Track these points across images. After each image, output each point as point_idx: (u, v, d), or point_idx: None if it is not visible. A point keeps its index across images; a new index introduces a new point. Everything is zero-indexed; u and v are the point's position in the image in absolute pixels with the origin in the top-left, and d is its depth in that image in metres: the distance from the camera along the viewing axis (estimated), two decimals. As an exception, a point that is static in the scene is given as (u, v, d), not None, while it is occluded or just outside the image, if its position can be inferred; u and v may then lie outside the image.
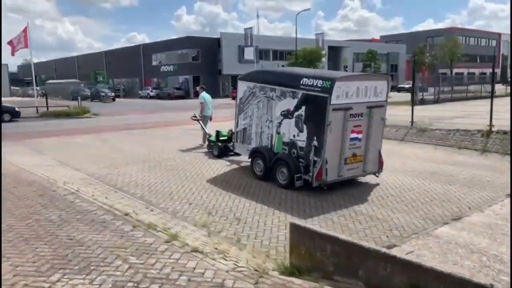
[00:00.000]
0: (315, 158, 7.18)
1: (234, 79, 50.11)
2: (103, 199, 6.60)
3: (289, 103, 7.68)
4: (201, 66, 49.43)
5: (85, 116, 25.25)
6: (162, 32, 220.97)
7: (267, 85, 8.32)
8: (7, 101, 30.53)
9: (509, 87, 30.64)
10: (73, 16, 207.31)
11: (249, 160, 8.67)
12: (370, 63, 46.81)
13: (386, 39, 78.60)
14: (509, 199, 6.74)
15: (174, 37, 56.50)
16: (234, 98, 43.37)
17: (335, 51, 55.20)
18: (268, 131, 8.29)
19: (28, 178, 7.93)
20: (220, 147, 10.54)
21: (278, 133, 7.99)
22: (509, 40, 72.19)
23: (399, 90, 45.53)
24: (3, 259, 4.20)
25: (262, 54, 48.55)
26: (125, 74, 58.40)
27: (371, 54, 46.48)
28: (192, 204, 6.63)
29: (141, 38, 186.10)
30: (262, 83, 8.47)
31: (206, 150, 11.38)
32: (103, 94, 41.65)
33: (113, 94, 43.68)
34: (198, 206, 6.55)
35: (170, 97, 45.81)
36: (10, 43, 26.34)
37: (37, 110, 26.81)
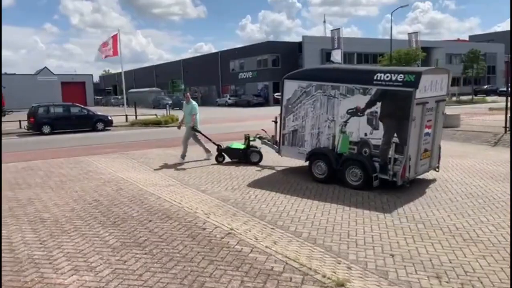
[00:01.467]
0: (396, 156, 7.04)
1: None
2: (270, 243, 4.74)
3: (358, 100, 7.45)
4: (281, 72, 47.50)
5: (174, 124, 24.26)
6: (227, 42, 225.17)
7: (327, 82, 8.00)
8: (92, 109, 30.84)
9: None
10: (145, 29, 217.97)
11: (304, 163, 8.39)
12: (471, 64, 41.70)
13: (477, 39, 71.83)
14: None
15: (251, 43, 55.44)
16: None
17: (425, 52, 50.83)
18: (329, 131, 8.02)
19: (159, 206, 6.25)
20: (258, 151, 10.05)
21: (343, 132, 7.71)
22: None
23: (499, 93, 41.94)
24: None
25: (345, 57, 45.61)
26: (202, 82, 58.43)
27: (474, 54, 41.32)
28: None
29: (207, 48, 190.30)
30: (320, 81, 8.12)
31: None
32: (182, 102, 41.36)
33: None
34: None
35: (249, 104, 44.51)
36: (102, 48, 26.33)
37: (126, 118, 26.44)
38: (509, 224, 5.35)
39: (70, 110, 21.61)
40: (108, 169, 9.45)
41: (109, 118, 22.64)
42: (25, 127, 21.73)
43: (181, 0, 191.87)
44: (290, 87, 8.63)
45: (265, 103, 45.54)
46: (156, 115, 27.01)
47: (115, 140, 16.51)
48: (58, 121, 20.59)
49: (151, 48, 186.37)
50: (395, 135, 7.03)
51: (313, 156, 8.13)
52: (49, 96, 46.03)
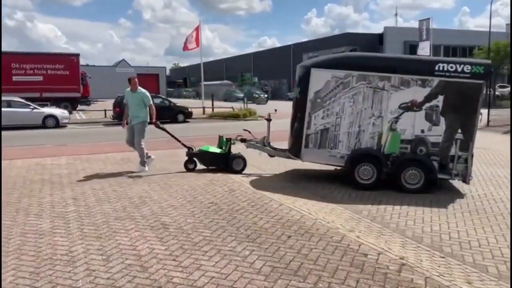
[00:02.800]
0: (460, 153, 6.61)
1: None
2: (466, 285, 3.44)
3: (415, 93, 6.74)
4: (358, 66, 45.39)
5: (252, 118, 23.58)
6: (291, 36, 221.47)
7: (373, 72, 6.91)
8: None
9: None
10: (212, 24, 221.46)
11: (341, 168, 7.29)
12: None
13: None
14: None
15: (323, 36, 53.55)
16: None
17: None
18: (374, 129, 7.02)
19: (289, 216, 5.28)
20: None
21: (393, 130, 6.88)
22: None
23: None
24: None
25: (430, 50, 42.25)
26: (272, 75, 57.58)
27: None
28: None
29: (271, 42, 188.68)
30: (364, 70, 6.94)
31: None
32: (256, 95, 40.73)
33: (266, 95, 42.54)
34: None
35: (322, 98, 42.93)
36: (184, 43, 26.41)
37: (203, 111, 26.25)
38: None
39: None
40: (209, 165, 8.72)
41: (189, 110, 22.46)
42: (111, 117, 22.16)
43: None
44: (320, 77, 7.15)
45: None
46: (232, 108, 26.55)
47: (199, 133, 16.03)
48: (141, 112, 20.73)
49: (217, 42, 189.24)
50: (459, 131, 6.58)
51: (356, 158, 7.02)
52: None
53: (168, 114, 21.24)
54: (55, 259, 3.85)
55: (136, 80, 8.29)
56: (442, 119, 6.67)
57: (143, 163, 8.04)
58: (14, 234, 4.55)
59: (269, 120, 8.42)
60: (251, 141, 8.41)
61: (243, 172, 8.07)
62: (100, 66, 62.31)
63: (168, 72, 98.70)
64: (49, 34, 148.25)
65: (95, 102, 32.15)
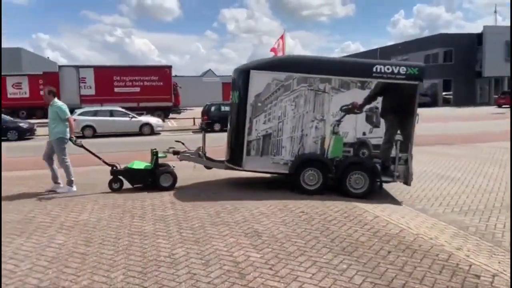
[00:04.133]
0: (400, 154, 6.64)
1: (498, 81, 41.37)
2: None
3: (356, 95, 6.62)
4: (453, 68, 42.38)
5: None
6: (376, 39, 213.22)
7: (314, 75, 6.69)
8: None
9: None
10: (293, 31, 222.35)
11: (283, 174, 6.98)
12: None
13: None
14: None
15: (411, 39, 50.83)
16: (500, 105, 35.98)
17: None
18: (316, 133, 6.84)
19: (385, 229, 5.03)
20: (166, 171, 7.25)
21: (335, 133, 6.73)
22: None
23: None
24: None
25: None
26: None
27: None
28: None
29: (355, 46, 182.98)
30: (306, 72, 6.72)
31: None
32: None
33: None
34: None
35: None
36: (273, 49, 26.83)
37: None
38: None
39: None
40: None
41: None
42: (199, 124, 23.23)
43: (330, 1, 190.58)
44: (260, 79, 6.80)
45: (432, 103, 40.93)
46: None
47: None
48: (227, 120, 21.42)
49: (298, 49, 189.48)
50: (399, 131, 6.61)
51: (301, 164, 6.72)
52: (212, 96, 49.66)
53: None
54: (159, 261, 4.07)
55: (51, 89, 7.50)
56: (382, 121, 6.63)
57: (69, 182, 7.28)
58: (122, 234, 4.91)
59: (204, 129, 8.21)
60: (185, 152, 7.87)
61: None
62: (188, 76, 65.81)
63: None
64: (144, 48, 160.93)
65: (185, 110, 34.00)
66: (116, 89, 30.14)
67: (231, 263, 3.99)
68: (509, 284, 3.54)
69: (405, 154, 6.68)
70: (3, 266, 4.00)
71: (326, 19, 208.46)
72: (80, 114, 19.95)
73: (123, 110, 21.65)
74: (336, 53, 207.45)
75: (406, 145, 6.66)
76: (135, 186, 7.27)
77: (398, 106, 6.64)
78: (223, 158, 7.72)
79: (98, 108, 22.10)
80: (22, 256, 4.24)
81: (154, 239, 4.74)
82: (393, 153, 6.70)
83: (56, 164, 7.41)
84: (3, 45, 70.67)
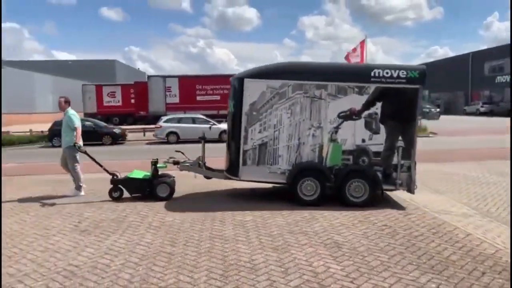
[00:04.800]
0: (402, 161, 6.42)
1: None
2: None
3: (353, 101, 6.45)
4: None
5: (423, 134, 21.82)
6: (466, 44, 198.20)
7: (309, 81, 6.49)
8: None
9: None
10: (375, 37, 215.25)
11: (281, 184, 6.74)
12: None
13: None
14: None
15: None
16: None
17: None
18: (314, 141, 6.59)
19: (478, 248, 4.62)
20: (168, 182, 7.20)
21: (333, 140, 6.53)
22: None
23: None
24: None
25: None
26: (446, 87, 52.58)
27: None
28: None
29: (443, 51, 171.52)
30: (300, 79, 6.52)
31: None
32: (427, 110, 37.68)
33: (438, 109, 39.00)
34: None
35: (510, 113, 37.19)
36: (346, 57, 26.29)
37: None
38: None
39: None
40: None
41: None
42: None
43: (416, 4, 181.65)
44: (255, 88, 6.65)
45: (531, 112, 37.06)
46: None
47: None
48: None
49: (380, 55, 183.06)
50: (400, 138, 6.46)
51: (300, 174, 6.50)
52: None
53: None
54: (239, 265, 4.15)
55: (62, 100, 7.78)
56: (382, 127, 6.46)
57: (78, 187, 7.65)
58: (204, 237, 5.10)
59: (203, 139, 7.78)
60: (185, 162, 7.65)
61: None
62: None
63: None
64: (224, 57, 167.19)
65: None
66: (198, 97, 31.62)
67: (311, 273, 3.93)
68: None
69: (408, 161, 6.46)
70: (102, 261, 4.35)
71: (411, 23, 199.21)
72: (166, 121, 21.18)
73: (204, 117, 22.58)
74: (421, 59, 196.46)
75: (408, 152, 6.44)
76: (133, 195, 7.28)
77: (399, 111, 6.43)
78: (223, 168, 7.49)
79: (182, 115, 23.29)
80: (116, 252, 4.59)
81: (234, 243, 4.84)
82: (395, 160, 6.48)
83: (78, 169, 7.66)
84: (100, 57, 77.66)
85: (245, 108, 6.72)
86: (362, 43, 26.00)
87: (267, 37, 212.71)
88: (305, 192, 6.60)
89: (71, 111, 7.68)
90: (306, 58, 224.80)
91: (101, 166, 7.43)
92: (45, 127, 21.10)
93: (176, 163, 7.56)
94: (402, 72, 6.35)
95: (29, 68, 49.97)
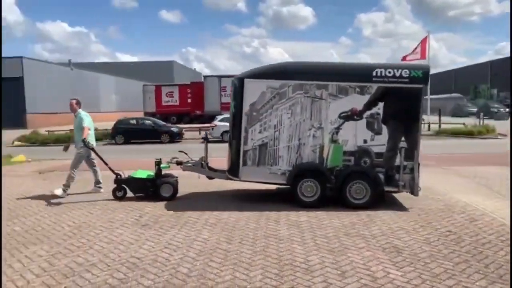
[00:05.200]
0: (405, 163, 6.27)
1: None
2: None
3: (355, 101, 6.36)
4: None
5: (491, 135, 20.54)
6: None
7: (310, 81, 6.43)
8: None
9: None
10: (437, 33, 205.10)
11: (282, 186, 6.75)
12: None
13: None
14: None
15: None
16: None
17: None
18: (314, 142, 6.52)
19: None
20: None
21: (334, 141, 6.44)
22: None
23: None
24: None
25: None
26: (515, 86, 49.01)
27: None
28: None
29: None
30: (301, 79, 6.48)
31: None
32: (495, 110, 35.31)
33: (507, 109, 36.40)
34: None
35: None
36: (403, 58, 25.37)
37: (429, 127, 24.39)
38: None
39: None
40: (438, 186, 7.94)
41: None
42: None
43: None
44: (255, 88, 6.63)
45: None
46: (464, 124, 23.76)
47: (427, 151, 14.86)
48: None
49: (443, 52, 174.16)
50: (403, 138, 6.33)
51: (300, 175, 6.49)
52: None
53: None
54: (294, 266, 4.13)
55: (73, 101, 7.77)
56: (384, 128, 6.36)
57: (66, 187, 7.53)
58: (259, 236, 5.12)
59: (206, 139, 7.76)
60: (188, 162, 7.54)
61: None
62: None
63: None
64: (278, 56, 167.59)
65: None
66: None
67: (369, 277, 3.82)
68: None
69: (411, 163, 6.33)
70: (162, 254, 4.52)
71: (477, 18, 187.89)
72: (221, 121, 21.58)
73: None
74: (488, 56, 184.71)
75: (411, 153, 6.32)
76: (136, 195, 7.28)
77: (401, 111, 6.33)
78: (225, 168, 7.39)
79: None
80: (174, 246, 4.74)
81: (289, 243, 4.82)
82: (398, 161, 6.35)
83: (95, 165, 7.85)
84: (158, 59, 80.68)
85: (245, 108, 6.70)
86: (424, 40, 24.92)
87: (322, 35, 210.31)
88: (305, 193, 6.56)
89: (82, 112, 7.72)
90: (363, 56, 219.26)
91: (106, 164, 7.38)
92: (108, 125, 22.29)
93: (179, 163, 7.56)
94: (405, 72, 6.24)
95: (95, 70, 53.19)
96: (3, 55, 34.50)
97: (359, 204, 6.37)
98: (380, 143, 6.40)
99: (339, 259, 4.30)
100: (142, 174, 7.38)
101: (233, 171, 6.91)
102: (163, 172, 7.42)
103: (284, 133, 6.64)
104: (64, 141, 17.25)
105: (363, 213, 6.08)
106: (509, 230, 5.23)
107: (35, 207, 6.76)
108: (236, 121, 6.82)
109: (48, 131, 24.86)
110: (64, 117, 40.74)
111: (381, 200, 6.63)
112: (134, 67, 74.67)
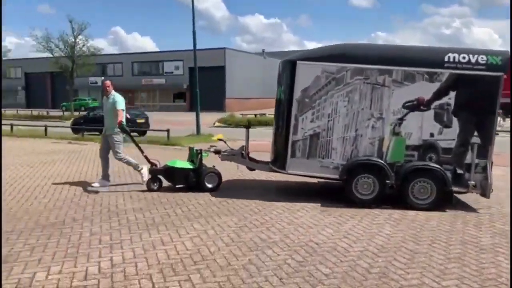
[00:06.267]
0: (477, 160, 5.58)
1: None
2: None
3: (422, 89, 5.70)
4: None
5: None
6: None
7: (372, 65, 5.76)
8: None
9: None
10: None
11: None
12: None
13: None
14: None
15: None
16: None
17: None
18: (373, 134, 5.89)
19: None
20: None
21: (396, 134, 5.80)
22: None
23: None
24: None
25: None
26: None
27: None
28: None
29: None
30: (361, 63, 5.78)
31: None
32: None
33: None
34: None
35: None
36: None
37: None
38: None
39: None
40: None
41: None
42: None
43: None
44: (308, 72, 5.90)
45: None
46: None
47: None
48: None
49: None
50: (475, 133, 5.63)
51: (355, 169, 5.71)
52: None
53: None
54: (500, 282, 3.39)
55: (108, 82, 7.09)
56: (455, 120, 5.65)
57: (105, 176, 7.11)
58: (454, 241, 4.45)
59: (248, 127, 7.19)
60: (226, 152, 6.93)
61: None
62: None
63: None
64: (484, 37, 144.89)
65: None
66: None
67: None
68: None
69: (484, 160, 5.64)
70: (341, 243, 4.36)
71: None
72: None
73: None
74: None
75: (485, 150, 5.65)
76: (177, 186, 6.66)
77: (476, 103, 5.66)
78: (268, 160, 6.90)
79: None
80: (354, 238, 4.51)
81: (493, 255, 4.03)
82: (468, 158, 5.65)
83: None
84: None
85: (297, 94, 6.03)
86: None
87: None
88: (360, 191, 5.86)
89: (117, 94, 7.13)
90: None
91: (142, 152, 6.89)
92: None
93: (217, 152, 7.04)
94: (482, 58, 5.56)
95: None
96: (210, 46, 39.56)
97: (423, 206, 5.63)
98: (449, 137, 5.72)
99: None
100: (183, 164, 6.83)
101: (279, 163, 6.37)
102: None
103: (339, 123, 6.01)
104: (253, 124, 18.90)
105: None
106: None
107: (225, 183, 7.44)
108: (284, 108, 6.23)
109: (242, 114, 27.63)
110: (255, 102, 44.68)
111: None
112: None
